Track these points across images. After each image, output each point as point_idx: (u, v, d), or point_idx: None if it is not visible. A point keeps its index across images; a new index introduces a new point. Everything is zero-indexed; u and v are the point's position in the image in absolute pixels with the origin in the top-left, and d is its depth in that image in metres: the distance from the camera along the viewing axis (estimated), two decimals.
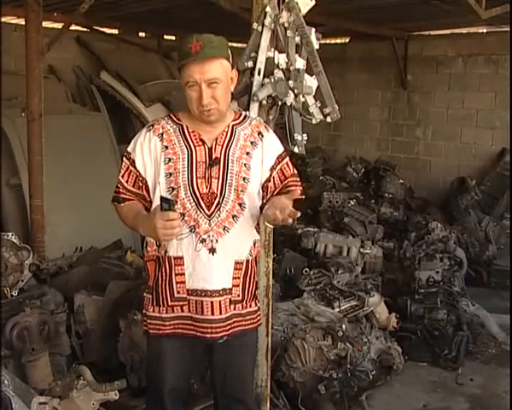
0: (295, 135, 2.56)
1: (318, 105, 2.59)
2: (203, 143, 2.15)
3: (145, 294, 2.25)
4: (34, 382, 2.90)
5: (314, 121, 2.61)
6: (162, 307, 2.19)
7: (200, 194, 2.13)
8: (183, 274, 2.15)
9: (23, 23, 4.42)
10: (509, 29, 5.61)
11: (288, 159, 2.28)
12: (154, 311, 2.20)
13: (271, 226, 2.38)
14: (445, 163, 7.12)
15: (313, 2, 2.57)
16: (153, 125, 2.20)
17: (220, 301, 2.17)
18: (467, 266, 4.86)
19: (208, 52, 2.03)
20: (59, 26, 5.55)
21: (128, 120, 6.08)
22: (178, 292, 2.16)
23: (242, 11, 4.38)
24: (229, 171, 2.15)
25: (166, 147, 2.14)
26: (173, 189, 2.12)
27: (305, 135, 2.59)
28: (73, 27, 5.77)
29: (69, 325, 3.52)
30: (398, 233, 5.62)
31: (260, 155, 2.20)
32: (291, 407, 3.27)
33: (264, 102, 2.52)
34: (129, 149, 2.21)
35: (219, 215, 2.13)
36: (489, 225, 5.69)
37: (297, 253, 4.76)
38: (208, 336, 2.17)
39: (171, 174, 2.13)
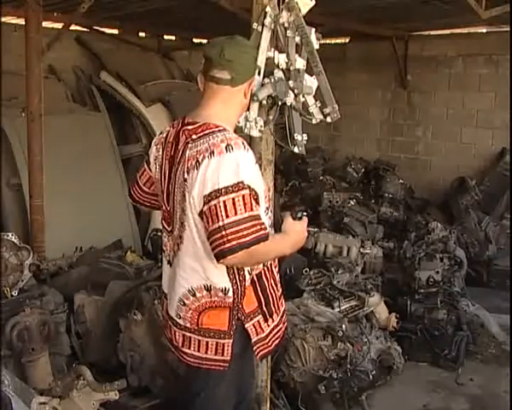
0: (295, 135, 2.56)
1: (318, 105, 2.59)
2: None
3: (248, 324, 2.12)
4: (34, 382, 2.90)
5: (314, 121, 2.61)
6: (274, 315, 2.21)
7: None
8: (279, 271, 2.27)
9: (23, 23, 4.42)
10: (509, 29, 5.61)
11: None
12: (269, 325, 2.18)
13: None
14: (445, 163, 7.11)
15: (313, 2, 2.57)
16: (243, 143, 1.99)
17: None
18: (467, 266, 4.85)
19: None
20: (59, 26, 5.54)
21: (128, 120, 6.08)
22: (279, 290, 2.26)
23: (242, 11, 4.37)
24: None
25: (255, 160, 2.11)
26: (265, 196, 2.14)
27: (305, 135, 2.59)
28: (73, 27, 5.77)
29: (69, 325, 3.52)
30: (398, 233, 5.62)
31: None
32: (291, 407, 3.28)
33: (264, 102, 2.52)
34: (244, 178, 1.92)
35: None
36: (489, 225, 5.68)
37: (297, 253, 4.75)
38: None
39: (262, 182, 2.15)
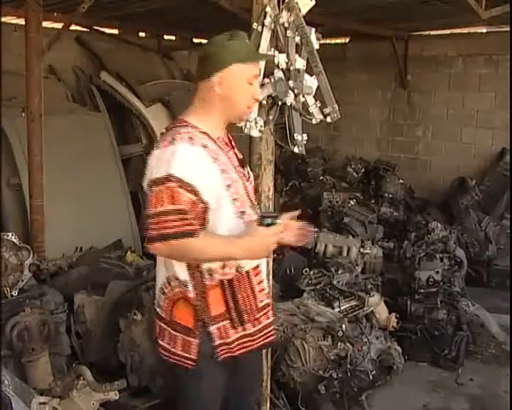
0: (295, 135, 2.56)
1: (318, 105, 2.59)
2: (230, 147, 2.14)
3: (213, 326, 2.06)
4: (34, 382, 2.90)
5: (314, 121, 2.61)
6: (248, 324, 2.11)
7: (252, 198, 2.15)
8: (262, 281, 2.16)
9: (23, 23, 4.42)
10: (509, 29, 5.61)
11: None
12: (237, 332, 2.10)
13: None
14: (445, 163, 7.11)
15: (313, 2, 2.57)
16: (191, 138, 1.97)
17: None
18: (467, 266, 4.85)
19: None
20: (59, 26, 5.55)
21: (128, 120, 6.09)
22: (262, 301, 2.15)
23: (242, 11, 4.37)
24: (247, 170, 2.21)
25: (215, 158, 2.01)
26: (235, 199, 2.04)
27: (305, 135, 2.59)
28: (73, 27, 5.77)
29: (69, 325, 3.52)
30: (398, 233, 5.62)
31: None
32: (291, 407, 3.28)
33: (264, 102, 2.52)
34: (176, 172, 1.90)
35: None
36: (489, 225, 5.69)
37: (297, 253, 4.76)
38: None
39: (229, 186, 2.02)
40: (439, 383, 3.78)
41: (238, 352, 2.12)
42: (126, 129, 6.12)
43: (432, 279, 4.28)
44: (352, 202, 5.91)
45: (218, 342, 2.08)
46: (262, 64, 2.52)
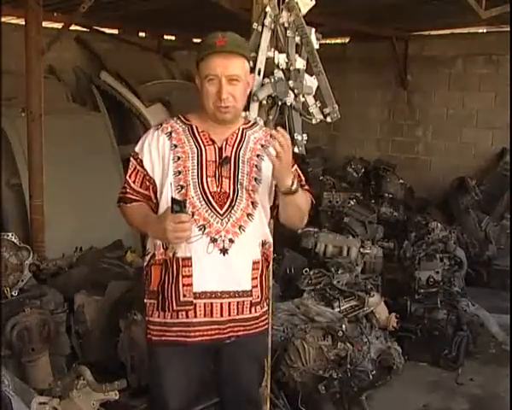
0: (295, 135, 2.56)
1: (318, 105, 2.59)
2: (213, 142, 2.14)
3: (147, 300, 2.18)
4: (34, 382, 2.91)
5: (314, 121, 2.61)
6: (167, 313, 2.11)
7: (211, 192, 2.09)
8: (190, 276, 2.08)
9: (23, 23, 4.43)
10: (509, 29, 5.61)
11: (296, 166, 2.27)
12: (158, 316, 2.14)
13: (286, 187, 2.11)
14: (445, 163, 7.11)
15: (313, 2, 2.57)
16: (161, 125, 2.20)
17: (230, 303, 2.12)
18: (467, 266, 4.85)
19: (233, 48, 2.05)
20: (59, 26, 5.55)
21: (128, 120, 6.09)
22: (184, 296, 2.09)
23: (242, 11, 4.37)
24: (239, 171, 2.13)
25: (175, 145, 2.13)
26: (182, 187, 2.09)
27: (305, 135, 2.59)
28: (73, 27, 5.77)
29: (69, 325, 3.52)
30: (398, 233, 5.62)
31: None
32: (291, 407, 3.28)
33: (264, 102, 2.52)
34: (136, 149, 2.21)
35: (234, 214, 2.10)
36: (489, 225, 5.69)
37: (297, 253, 4.76)
38: (215, 337, 2.13)
39: (179, 172, 2.10)
40: (439, 383, 3.78)
41: (155, 338, 2.15)
42: (126, 129, 6.12)
43: (432, 279, 4.28)
44: (352, 202, 5.90)
45: (147, 318, 2.19)
46: (263, 63, 2.53)
